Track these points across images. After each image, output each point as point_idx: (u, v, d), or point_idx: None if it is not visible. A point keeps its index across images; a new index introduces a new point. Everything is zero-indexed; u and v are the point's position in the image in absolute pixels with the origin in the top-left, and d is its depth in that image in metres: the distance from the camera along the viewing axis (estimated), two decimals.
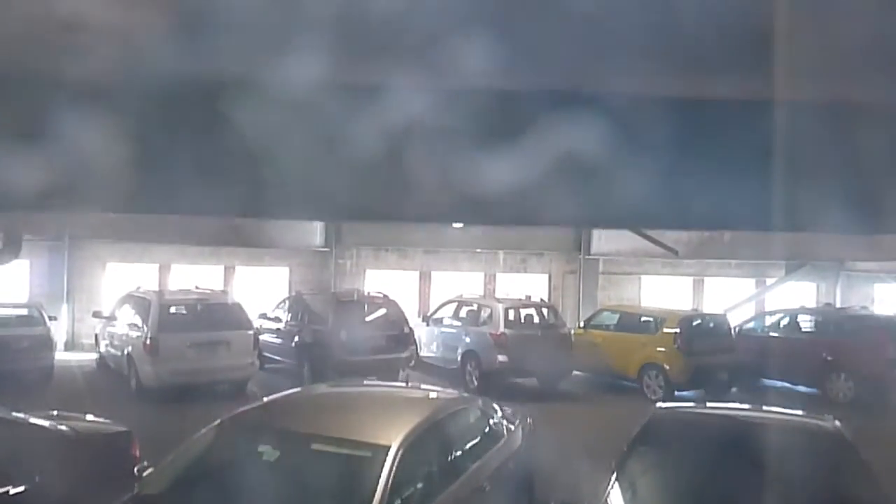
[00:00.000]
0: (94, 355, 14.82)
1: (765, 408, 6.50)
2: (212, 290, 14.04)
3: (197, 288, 13.79)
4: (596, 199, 4.27)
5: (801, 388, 13.83)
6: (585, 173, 3.97)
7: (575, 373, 14.10)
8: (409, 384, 6.86)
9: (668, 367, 12.94)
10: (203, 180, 4.22)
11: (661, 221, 7.24)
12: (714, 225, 9.22)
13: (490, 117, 3.96)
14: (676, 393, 12.92)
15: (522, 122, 3.90)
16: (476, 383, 13.28)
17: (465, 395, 6.66)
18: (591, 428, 10.26)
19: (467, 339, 13.75)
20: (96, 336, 14.71)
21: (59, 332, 15.52)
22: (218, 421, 5.46)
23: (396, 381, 13.11)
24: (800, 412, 6.44)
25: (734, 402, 12.41)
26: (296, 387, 12.46)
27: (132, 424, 6.75)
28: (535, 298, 14.88)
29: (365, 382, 7.20)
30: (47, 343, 13.24)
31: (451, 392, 6.78)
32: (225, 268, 17.98)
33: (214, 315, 12.69)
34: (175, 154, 4.25)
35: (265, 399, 6.01)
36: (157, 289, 14.68)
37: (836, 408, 12.78)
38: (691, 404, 6.78)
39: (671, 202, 4.34)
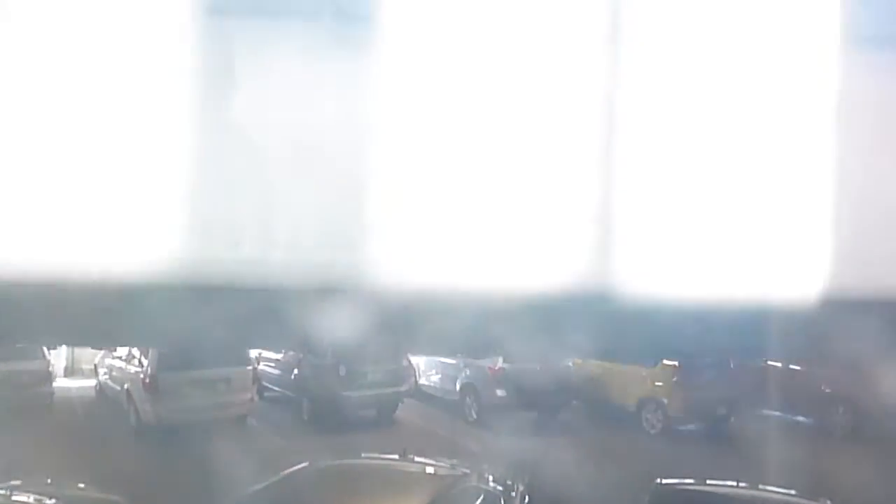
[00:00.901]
0: (94, 381, 14.84)
1: (761, 486, 6.59)
2: None
3: None
4: None
5: (800, 419, 13.82)
6: None
7: (574, 402, 14.11)
8: (407, 456, 6.86)
9: (667, 402, 12.92)
10: None
11: None
12: None
13: None
14: (675, 427, 12.94)
15: None
16: (475, 416, 13.35)
17: (465, 469, 6.66)
18: (591, 470, 10.26)
19: (466, 372, 13.74)
20: (95, 366, 14.71)
21: (58, 359, 15.52)
22: None
23: (394, 413, 13.50)
24: (794, 492, 6.52)
25: (734, 438, 12.81)
26: (296, 422, 12.93)
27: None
28: None
29: (363, 455, 7.23)
30: (46, 377, 13.23)
31: (446, 466, 6.78)
32: None
33: (213, 351, 12.67)
34: None
35: (267, 482, 6.01)
36: None
37: (834, 441, 12.83)
38: (691, 481, 6.82)
39: None
